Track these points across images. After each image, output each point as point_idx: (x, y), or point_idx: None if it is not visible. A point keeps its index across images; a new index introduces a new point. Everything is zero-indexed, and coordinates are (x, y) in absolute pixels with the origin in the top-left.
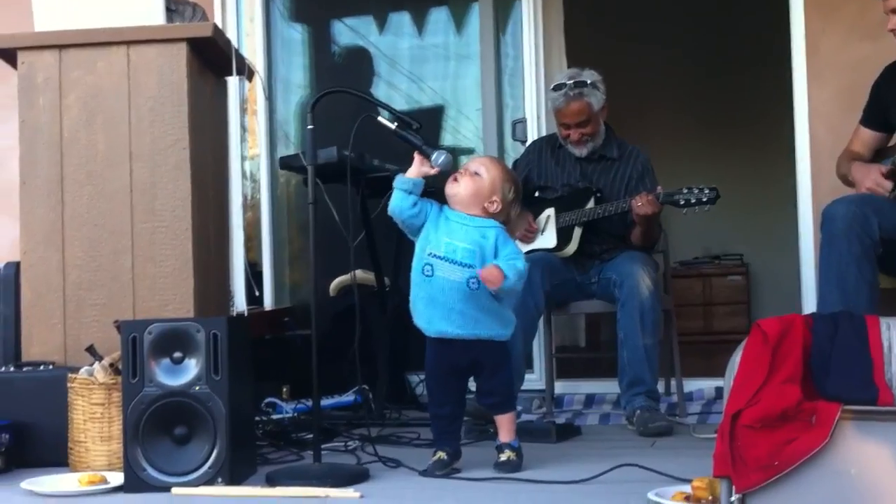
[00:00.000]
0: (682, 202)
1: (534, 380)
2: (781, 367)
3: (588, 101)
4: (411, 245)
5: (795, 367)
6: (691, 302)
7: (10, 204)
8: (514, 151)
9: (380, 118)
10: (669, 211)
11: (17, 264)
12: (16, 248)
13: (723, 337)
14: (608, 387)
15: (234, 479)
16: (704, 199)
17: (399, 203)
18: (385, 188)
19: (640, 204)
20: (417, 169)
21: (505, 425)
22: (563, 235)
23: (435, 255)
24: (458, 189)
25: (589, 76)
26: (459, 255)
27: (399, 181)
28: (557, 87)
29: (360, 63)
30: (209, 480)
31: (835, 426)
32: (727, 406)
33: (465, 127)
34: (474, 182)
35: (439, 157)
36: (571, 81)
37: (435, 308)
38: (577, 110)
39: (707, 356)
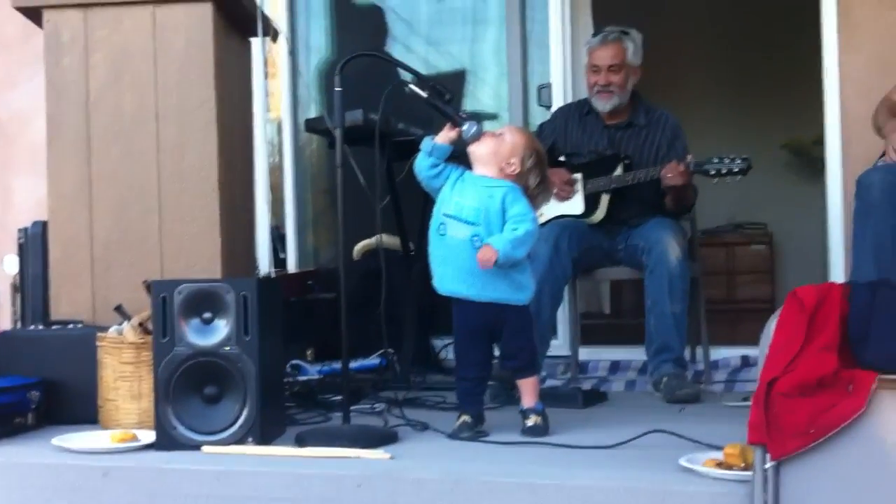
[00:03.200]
0: (712, 171)
1: (558, 346)
2: (818, 335)
3: (624, 47)
4: None
5: (832, 336)
6: (714, 270)
7: (37, 163)
8: (538, 118)
9: (412, 86)
10: (696, 179)
11: (45, 223)
12: (42, 208)
13: (746, 306)
14: (633, 353)
15: (264, 438)
16: (736, 170)
17: (418, 163)
18: (410, 152)
19: (671, 175)
20: (445, 136)
21: (528, 389)
22: (591, 202)
23: (447, 215)
24: (478, 147)
25: (631, 31)
26: (465, 214)
27: (423, 143)
28: (597, 33)
29: (379, 25)
30: (239, 440)
31: (872, 394)
32: (762, 373)
33: (483, 92)
34: (495, 142)
35: (471, 129)
36: (615, 28)
37: (447, 267)
38: (612, 52)
39: (731, 324)
